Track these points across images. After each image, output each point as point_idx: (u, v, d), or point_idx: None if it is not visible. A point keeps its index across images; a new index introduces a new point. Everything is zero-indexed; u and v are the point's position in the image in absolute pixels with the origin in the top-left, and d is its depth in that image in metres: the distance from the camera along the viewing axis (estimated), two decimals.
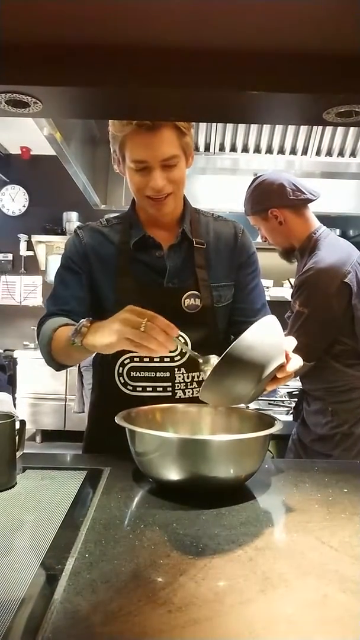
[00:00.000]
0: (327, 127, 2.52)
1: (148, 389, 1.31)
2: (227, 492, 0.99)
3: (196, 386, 1.33)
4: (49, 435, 5.08)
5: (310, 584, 0.69)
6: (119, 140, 1.23)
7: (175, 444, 0.98)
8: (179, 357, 1.30)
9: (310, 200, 1.87)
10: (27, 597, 0.64)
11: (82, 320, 1.16)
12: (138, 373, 1.31)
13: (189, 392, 1.32)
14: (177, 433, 1.18)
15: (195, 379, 1.33)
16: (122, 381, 1.32)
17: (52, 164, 4.39)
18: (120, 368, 1.32)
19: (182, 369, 1.31)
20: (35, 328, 1.38)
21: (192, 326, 1.31)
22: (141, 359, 1.30)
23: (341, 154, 2.64)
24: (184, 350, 1.14)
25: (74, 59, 0.74)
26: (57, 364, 1.31)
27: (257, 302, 1.43)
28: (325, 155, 2.65)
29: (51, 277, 5.37)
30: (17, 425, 1.07)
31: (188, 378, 1.32)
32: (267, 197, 1.87)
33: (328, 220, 4.43)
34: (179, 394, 1.32)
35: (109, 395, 1.33)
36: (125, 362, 1.31)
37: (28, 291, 5.65)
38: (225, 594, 0.66)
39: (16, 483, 1.04)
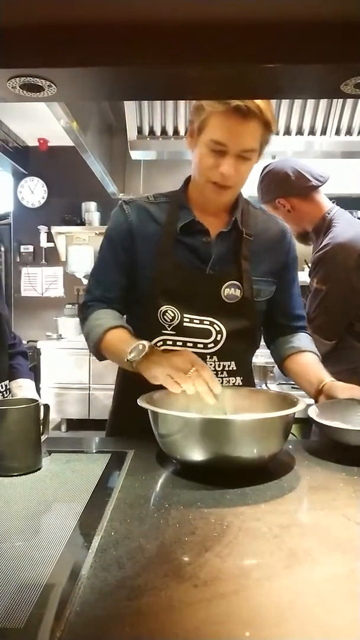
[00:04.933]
0: (347, 105, 2.46)
1: None
2: (251, 472, 0.98)
3: (226, 375, 1.32)
4: (74, 424, 5.13)
5: (336, 559, 0.69)
6: (203, 114, 1.19)
7: (199, 424, 0.98)
8: (212, 345, 1.29)
9: (316, 187, 1.86)
10: (55, 574, 0.65)
11: (145, 343, 1.15)
12: None
13: (218, 380, 1.30)
14: (200, 414, 1.17)
15: (227, 368, 1.32)
16: None
17: (69, 155, 4.41)
18: None
19: (215, 357, 1.30)
20: (77, 312, 1.40)
21: (229, 316, 1.30)
22: (174, 343, 1.29)
23: None
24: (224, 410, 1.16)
25: (87, 39, 0.74)
26: (103, 358, 1.31)
27: (299, 307, 1.47)
28: (345, 135, 2.60)
29: (72, 267, 5.40)
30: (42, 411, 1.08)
31: (219, 367, 1.31)
32: (274, 188, 1.89)
33: (349, 201, 4.36)
34: None
35: (137, 379, 1.31)
36: (158, 344, 1.30)
37: (49, 282, 5.70)
38: (251, 569, 0.67)
39: (42, 466, 1.05)
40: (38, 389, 4.91)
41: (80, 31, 0.72)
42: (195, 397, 1.16)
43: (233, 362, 1.33)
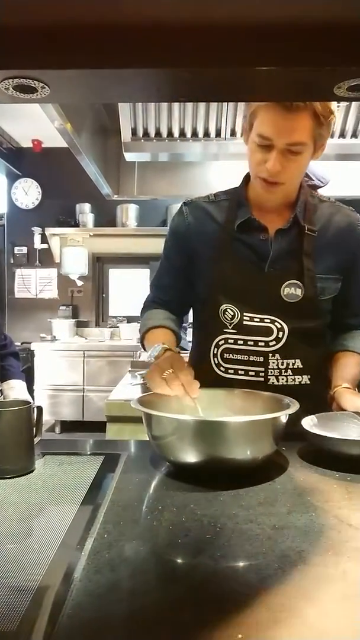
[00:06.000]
0: (340, 108, 2.48)
1: (240, 372, 1.29)
2: (244, 473, 0.99)
3: (291, 373, 1.29)
4: (68, 426, 5.13)
5: (329, 561, 0.69)
6: (252, 108, 1.19)
7: (192, 426, 0.98)
8: (274, 342, 1.27)
9: (318, 187, 1.87)
10: (47, 576, 0.65)
11: (162, 346, 1.19)
12: (231, 355, 1.29)
13: (282, 379, 1.29)
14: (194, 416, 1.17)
15: (290, 366, 1.29)
16: (216, 362, 1.31)
17: (63, 156, 4.41)
18: (215, 349, 1.31)
19: (277, 355, 1.28)
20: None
21: (291, 315, 1.27)
22: (235, 342, 1.29)
23: (355, 135, 2.59)
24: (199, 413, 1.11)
25: (81, 41, 0.74)
26: None
27: None
28: (339, 137, 2.62)
29: (66, 269, 5.40)
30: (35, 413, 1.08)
31: (282, 365, 1.28)
32: None
33: (344, 204, 4.39)
34: (272, 380, 1.29)
35: (202, 374, 1.24)
36: (220, 343, 1.31)
37: (43, 284, 5.69)
38: (244, 571, 0.67)
39: (35, 468, 1.05)
40: (32, 391, 4.90)
41: (74, 33, 0.72)
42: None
43: (298, 361, 1.29)
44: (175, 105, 2.56)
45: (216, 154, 2.88)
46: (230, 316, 1.28)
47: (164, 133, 2.68)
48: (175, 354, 1.17)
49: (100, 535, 0.76)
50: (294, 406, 1.05)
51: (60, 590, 0.62)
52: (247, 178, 1.34)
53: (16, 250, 5.67)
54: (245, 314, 1.27)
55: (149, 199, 4.67)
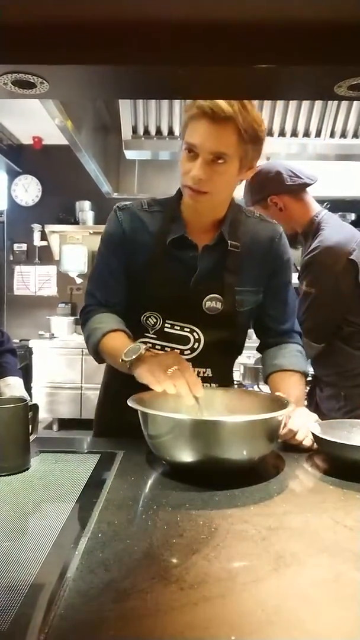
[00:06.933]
0: (341, 107, 2.47)
1: None
2: (240, 473, 0.98)
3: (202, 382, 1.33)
4: (65, 424, 5.12)
5: (323, 563, 0.69)
6: (184, 121, 1.22)
7: (189, 425, 0.98)
8: (189, 352, 1.31)
9: (308, 185, 1.88)
10: (40, 576, 0.65)
11: (141, 345, 1.17)
12: None
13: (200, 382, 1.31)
14: (190, 415, 1.17)
15: (201, 375, 1.34)
16: None
17: (64, 154, 4.40)
18: None
19: (190, 363, 1.28)
20: (79, 316, 1.42)
21: (209, 326, 1.31)
22: (154, 346, 1.31)
23: (356, 135, 2.59)
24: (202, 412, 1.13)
25: (80, 37, 0.73)
26: (102, 361, 1.34)
27: (290, 313, 1.44)
28: (340, 137, 2.61)
29: (65, 266, 5.39)
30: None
31: (195, 372, 1.30)
32: (265, 186, 1.88)
33: (343, 204, 4.38)
34: None
35: (121, 377, 1.27)
36: None
37: (42, 281, 5.68)
38: (237, 572, 0.66)
39: (30, 466, 1.05)
40: (30, 388, 4.89)
41: (73, 29, 0.72)
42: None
43: (209, 370, 1.35)
44: (176, 103, 2.55)
45: None
46: (153, 323, 1.32)
47: (165, 131, 2.67)
48: (175, 352, 1.18)
49: (95, 534, 0.75)
50: (291, 406, 1.05)
51: (53, 589, 0.61)
52: (180, 192, 1.34)
53: (15, 247, 5.65)
54: (167, 321, 1.31)
55: None
